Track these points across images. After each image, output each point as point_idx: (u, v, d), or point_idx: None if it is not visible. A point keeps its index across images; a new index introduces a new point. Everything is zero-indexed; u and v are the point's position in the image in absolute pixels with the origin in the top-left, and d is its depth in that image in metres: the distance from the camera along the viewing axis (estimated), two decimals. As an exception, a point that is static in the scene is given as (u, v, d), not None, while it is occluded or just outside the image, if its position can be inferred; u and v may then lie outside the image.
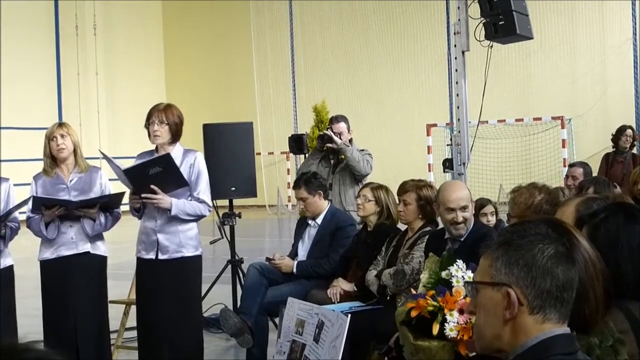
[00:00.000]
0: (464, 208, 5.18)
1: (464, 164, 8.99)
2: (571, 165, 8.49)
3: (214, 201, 7.32)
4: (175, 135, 5.94)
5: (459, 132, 8.97)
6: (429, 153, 22.51)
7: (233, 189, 8.50)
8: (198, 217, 5.97)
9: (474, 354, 3.71)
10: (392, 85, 25.69)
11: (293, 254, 7.11)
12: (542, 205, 4.97)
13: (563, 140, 21.74)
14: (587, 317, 2.21)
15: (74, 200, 5.94)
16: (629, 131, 11.35)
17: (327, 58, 26.95)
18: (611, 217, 2.85)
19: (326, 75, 26.69)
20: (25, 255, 7.18)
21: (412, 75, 25.33)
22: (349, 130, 8.26)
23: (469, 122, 9.12)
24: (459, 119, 8.97)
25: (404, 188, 6.05)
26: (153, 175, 5.68)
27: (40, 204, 5.91)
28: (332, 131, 8.20)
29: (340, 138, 8.13)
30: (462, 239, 5.19)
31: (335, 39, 26.78)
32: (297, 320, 5.68)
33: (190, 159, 5.94)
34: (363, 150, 8.21)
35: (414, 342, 4.17)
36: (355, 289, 6.35)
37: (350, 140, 8.22)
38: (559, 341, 2.00)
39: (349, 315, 5.26)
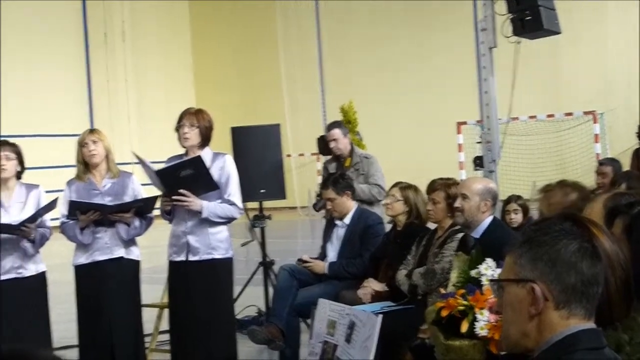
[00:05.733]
0: (463, 196, 5.18)
1: (494, 161, 8.95)
2: (600, 163, 8.39)
3: (244, 204, 7.35)
4: (205, 139, 5.99)
5: (489, 129, 8.92)
6: (459, 151, 22.40)
7: (262, 191, 8.52)
8: (229, 220, 6.00)
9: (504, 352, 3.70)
10: (420, 83, 25.60)
11: (322, 256, 7.12)
12: (578, 203, 4.91)
13: (596, 135, 21.55)
14: (610, 312, 2.20)
15: (110, 204, 5.99)
16: None
17: (355, 58, 26.92)
18: None
19: (354, 75, 26.67)
20: (60, 260, 7.25)
21: (440, 73, 25.23)
22: (345, 135, 8.15)
23: (499, 118, 9.08)
24: (488, 116, 8.94)
25: (432, 187, 6.03)
26: (184, 178, 5.71)
27: (75, 209, 5.96)
28: (327, 139, 8.14)
29: (336, 145, 8.04)
30: (477, 237, 5.16)
31: (363, 38, 26.75)
32: (328, 321, 5.69)
33: (220, 162, 5.98)
34: (367, 157, 8.07)
35: (444, 341, 4.17)
36: (386, 289, 6.33)
37: (352, 152, 8.10)
38: (585, 336, 1.99)
39: (380, 315, 5.27)
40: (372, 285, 6.41)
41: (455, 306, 4.15)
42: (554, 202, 4.99)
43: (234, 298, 6.71)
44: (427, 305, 5.10)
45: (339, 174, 7.44)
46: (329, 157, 8.44)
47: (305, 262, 6.98)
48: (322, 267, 6.92)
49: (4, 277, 5.94)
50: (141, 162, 5.81)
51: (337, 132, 8.11)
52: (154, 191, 6.03)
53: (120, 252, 6.09)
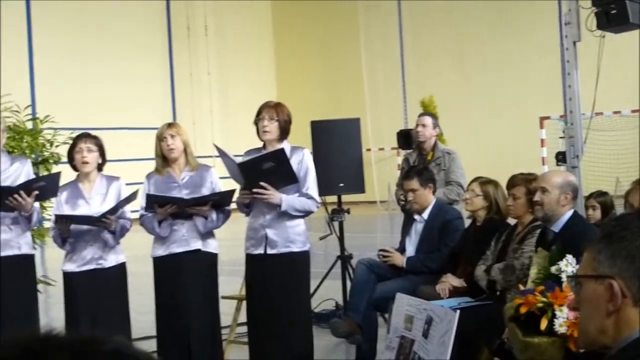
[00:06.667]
0: (542, 190, 5.10)
1: (577, 156, 8.79)
2: None
3: (323, 197, 7.35)
4: (284, 132, 6.00)
5: (572, 124, 8.77)
6: (542, 146, 22.10)
7: (341, 185, 8.52)
8: (306, 213, 6.01)
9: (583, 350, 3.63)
10: (502, 78, 25.32)
11: (401, 250, 7.08)
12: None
13: (683, 131, 21.04)
14: None
15: (187, 198, 6.06)
16: None
17: (436, 52, 26.76)
18: None
19: (435, 69, 26.52)
20: (140, 252, 7.36)
21: (523, 67, 24.91)
22: (434, 127, 8.05)
23: (582, 113, 8.92)
24: (571, 111, 8.78)
25: (513, 182, 5.96)
26: (266, 171, 5.74)
27: (153, 202, 6.04)
28: (417, 124, 8.07)
29: (423, 131, 7.95)
30: (557, 231, 5.08)
31: (444, 32, 26.57)
32: (405, 316, 5.67)
33: (299, 155, 5.99)
34: (450, 153, 7.95)
35: (523, 338, 4.11)
36: (465, 285, 6.28)
37: (435, 146, 8.00)
38: None
39: (458, 311, 5.22)
40: (451, 280, 6.35)
41: (534, 303, 4.09)
42: None
43: (311, 291, 6.72)
44: (506, 302, 5.04)
45: (423, 166, 7.40)
46: (409, 150, 8.40)
47: (386, 252, 6.95)
48: (400, 260, 6.88)
49: (85, 268, 6.07)
50: (222, 154, 5.86)
51: (427, 119, 8.05)
52: (231, 184, 6.07)
53: (197, 244, 6.14)
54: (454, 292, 6.25)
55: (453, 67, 26.34)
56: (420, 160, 7.95)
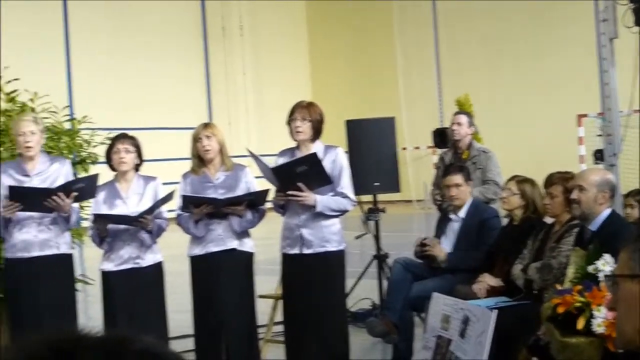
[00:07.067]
0: (580, 188, 5.07)
1: (615, 154, 8.71)
2: None
3: (358, 197, 7.34)
4: (317, 132, 6.01)
5: (610, 122, 8.70)
6: (580, 144, 21.90)
7: (377, 184, 8.50)
8: (342, 212, 6.02)
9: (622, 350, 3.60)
10: (538, 75, 25.13)
11: None
12: None
13: None
14: None
15: (221, 198, 6.09)
16: None
17: (471, 51, 26.61)
18: None
19: (470, 68, 26.36)
20: (177, 251, 7.40)
21: (560, 65, 24.70)
22: (469, 125, 8.00)
23: (620, 111, 8.84)
24: (609, 109, 8.71)
25: (550, 180, 5.91)
26: (299, 174, 5.76)
27: (188, 203, 6.09)
28: (452, 122, 8.03)
29: (458, 130, 7.90)
30: (594, 229, 5.04)
31: (480, 31, 26.41)
32: (442, 315, 5.66)
33: (332, 155, 6.00)
34: (486, 152, 7.89)
35: (560, 338, 4.09)
36: (502, 284, 6.24)
37: (470, 144, 7.96)
38: None
39: (495, 310, 5.20)
40: (488, 280, 6.32)
41: (572, 303, 4.06)
42: None
43: (347, 291, 6.72)
44: (543, 301, 5.01)
45: (461, 164, 7.39)
46: (445, 149, 8.37)
47: (426, 245, 6.88)
48: (442, 253, 6.80)
49: (122, 267, 6.13)
50: (255, 158, 5.89)
51: (462, 117, 8.02)
52: (266, 184, 6.09)
53: (233, 243, 6.18)
54: (491, 292, 6.21)
55: (489, 65, 26.18)
56: (455, 159, 7.92)
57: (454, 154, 7.98)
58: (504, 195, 6.53)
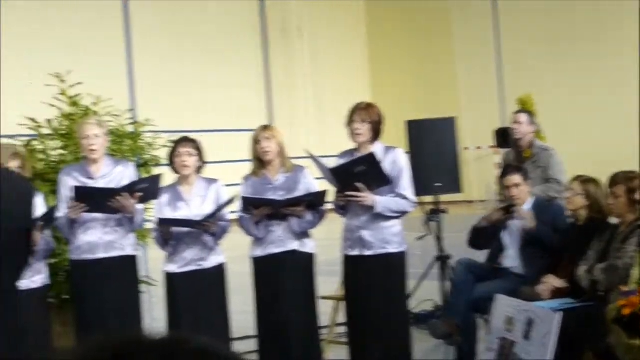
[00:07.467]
0: None
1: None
2: None
3: (420, 197, 7.30)
4: (376, 133, 5.99)
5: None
6: (648, 143, 21.57)
7: (438, 185, 8.45)
8: (402, 214, 5.98)
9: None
10: (602, 74, 24.78)
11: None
12: None
13: None
14: None
15: (280, 199, 6.11)
16: None
17: (533, 50, 26.33)
18: None
19: (532, 67, 26.09)
20: (239, 252, 7.45)
21: (623, 63, 24.33)
22: (530, 124, 7.88)
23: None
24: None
25: (614, 180, 5.82)
26: (358, 174, 5.75)
27: (248, 204, 6.12)
28: (513, 121, 7.94)
29: (519, 129, 7.79)
30: None
31: (541, 30, 26.13)
32: (506, 317, 5.61)
33: (392, 155, 5.97)
34: (547, 149, 7.74)
35: (627, 341, 4.02)
36: (566, 285, 6.16)
37: (532, 143, 7.82)
38: None
39: (560, 312, 5.14)
40: (552, 281, 6.24)
41: (638, 304, 4.00)
42: None
43: (409, 292, 6.69)
44: (609, 303, 4.93)
45: (518, 164, 7.32)
46: (507, 149, 8.29)
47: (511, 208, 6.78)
48: (530, 214, 6.70)
49: (186, 269, 6.18)
50: (314, 159, 5.89)
51: (523, 116, 7.91)
52: (326, 185, 6.09)
53: (294, 245, 6.20)
54: (556, 293, 6.14)
55: (550, 63, 25.89)
56: (517, 158, 7.83)
57: (516, 153, 7.91)
58: (567, 196, 6.44)
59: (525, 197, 6.85)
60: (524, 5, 26.39)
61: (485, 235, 6.93)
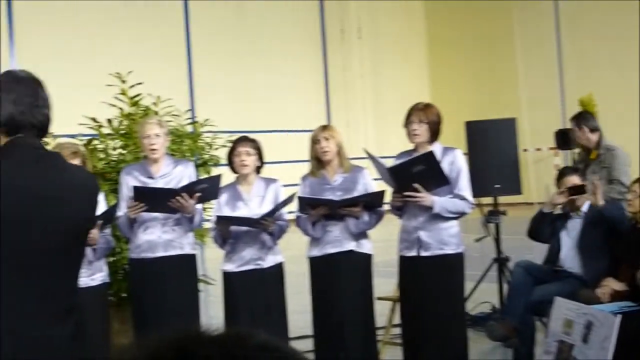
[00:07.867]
0: None
1: None
2: None
3: (479, 199, 7.26)
4: (434, 134, 5.96)
5: None
6: None
7: (497, 186, 8.40)
8: (460, 215, 5.95)
9: None
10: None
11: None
12: None
13: None
14: None
15: (337, 199, 6.11)
16: None
17: (594, 50, 26.00)
18: None
19: (593, 68, 25.77)
20: (297, 252, 7.48)
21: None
22: (592, 131, 7.72)
23: None
24: None
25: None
26: (416, 174, 5.72)
27: (305, 204, 6.14)
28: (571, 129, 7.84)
29: (579, 136, 7.68)
30: None
31: (603, 30, 25.79)
32: (564, 320, 5.54)
33: (450, 156, 5.94)
34: (611, 149, 7.55)
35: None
36: (627, 289, 6.08)
37: (599, 144, 7.66)
38: None
39: (619, 315, 5.07)
40: (612, 284, 6.16)
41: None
42: None
43: (467, 294, 6.65)
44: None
45: (575, 165, 7.25)
46: (567, 150, 8.21)
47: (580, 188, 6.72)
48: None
49: (244, 268, 6.21)
50: (372, 158, 5.88)
51: (579, 132, 7.83)
52: (383, 185, 6.08)
53: (350, 245, 6.19)
54: (615, 296, 6.06)
55: (611, 63, 25.53)
56: (584, 159, 7.73)
57: (584, 154, 7.80)
58: (629, 198, 6.35)
59: (584, 198, 6.77)
60: (585, 5, 26.07)
61: (546, 223, 6.86)
